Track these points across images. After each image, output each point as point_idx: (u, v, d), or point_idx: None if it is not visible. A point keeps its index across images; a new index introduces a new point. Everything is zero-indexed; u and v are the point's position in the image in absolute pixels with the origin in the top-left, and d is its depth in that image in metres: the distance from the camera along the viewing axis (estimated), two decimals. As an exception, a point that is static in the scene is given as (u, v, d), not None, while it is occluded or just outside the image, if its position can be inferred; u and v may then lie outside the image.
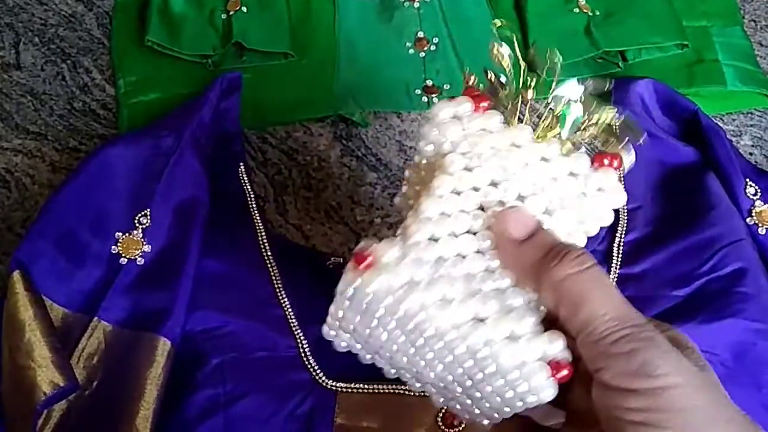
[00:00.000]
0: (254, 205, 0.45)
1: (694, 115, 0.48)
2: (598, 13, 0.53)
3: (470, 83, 0.29)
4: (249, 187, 0.46)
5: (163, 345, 0.38)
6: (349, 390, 0.38)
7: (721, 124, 0.50)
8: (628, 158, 0.29)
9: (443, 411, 0.38)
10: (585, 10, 0.53)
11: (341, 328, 0.29)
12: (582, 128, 0.28)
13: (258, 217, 0.44)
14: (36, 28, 0.53)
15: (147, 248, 0.41)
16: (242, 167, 0.47)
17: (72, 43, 0.53)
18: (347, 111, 0.50)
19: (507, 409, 0.27)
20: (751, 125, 0.52)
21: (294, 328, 0.40)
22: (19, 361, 0.34)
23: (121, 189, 0.41)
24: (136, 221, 0.41)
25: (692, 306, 0.40)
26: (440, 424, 0.38)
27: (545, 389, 0.25)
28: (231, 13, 0.51)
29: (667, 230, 0.43)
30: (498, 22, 0.29)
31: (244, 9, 0.51)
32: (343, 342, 0.30)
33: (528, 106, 0.28)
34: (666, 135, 0.48)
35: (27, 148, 0.48)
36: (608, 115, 0.28)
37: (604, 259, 0.43)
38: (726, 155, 0.45)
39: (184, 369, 0.38)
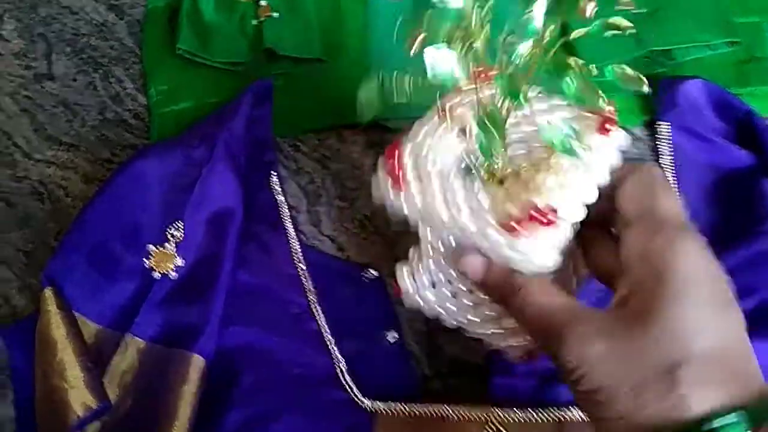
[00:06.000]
0: (287, 216, 0.44)
1: (747, 116, 0.45)
2: (643, 10, 0.51)
3: None
4: (282, 197, 0.45)
5: (197, 362, 0.37)
6: (387, 412, 0.37)
7: (778, 126, 0.47)
8: None
9: None
10: (628, 8, 0.51)
11: None
12: None
13: (291, 229, 0.43)
14: (68, 38, 0.53)
15: (180, 262, 0.40)
16: (275, 176, 0.45)
17: (104, 52, 0.53)
18: (380, 116, 0.48)
19: None
20: (810, 126, 0.48)
21: (329, 344, 0.39)
22: (52, 381, 0.33)
23: (152, 201, 0.41)
24: (168, 234, 0.40)
25: (750, 322, 0.38)
26: None
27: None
28: (262, 19, 0.50)
29: (723, 241, 0.40)
30: None
31: (275, 15, 0.50)
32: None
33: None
34: (719, 138, 0.45)
35: (60, 159, 0.48)
36: None
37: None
38: (783, 159, 0.43)
39: (218, 386, 0.37)
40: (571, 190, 0.28)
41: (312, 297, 0.41)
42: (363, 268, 0.43)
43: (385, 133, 0.48)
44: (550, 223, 0.27)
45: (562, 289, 0.29)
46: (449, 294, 0.33)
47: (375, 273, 0.43)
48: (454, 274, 0.33)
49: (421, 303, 0.34)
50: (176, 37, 0.50)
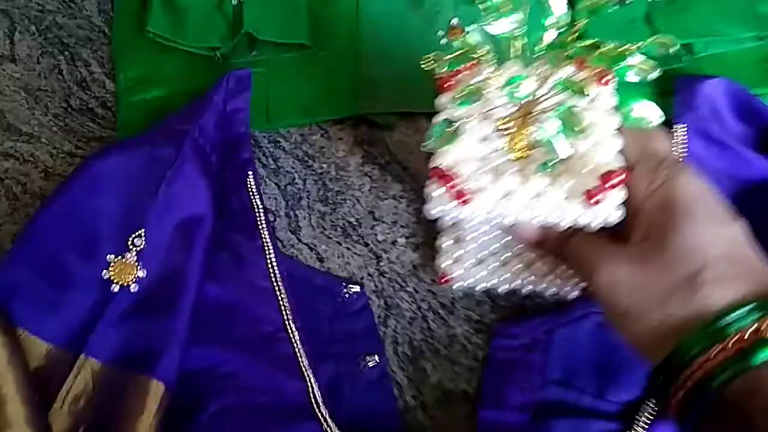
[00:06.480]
0: (263, 222, 0.40)
1: (773, 123, 0.41)
2: (660, -3, 0.46)
3: None
4: (258, 200, 0.41)
5: (157, 388, 0.34)
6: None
7: (805, 132, 0.43)
8: None
9: None
10: (646, -7, 0.46)
11: None
12: None
13: (267, 236, 0.40)
14: (33, 15, 0.49)
15: (142, 273, 0.36)
16: (251, 177, 0.41)
17: (71, 31, 0.48)
18: (370, 111, 0.44)
19: None
20: (840, 132, 0.44)
21: (304, 369, 0.36)
22: (-11, 416, 0.30)
23: (112, 206, 0.37)
24: (129, 242, 0.37)
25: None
26: None
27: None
28: (242, -1, 0.45)
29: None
30: None
31: (258, -7, 0.46)
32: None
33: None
34: (740, 146, 0.41)
35: (19, 151, 0.44)
36: None
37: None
38: (812, 172, 0.39)
39: (180, 414, 0.34)
40: (611, 141, 0.31)
41: (287, 314, 0.37)
42: (344, 283, 0.39)
43: (374, 128, 0.44)
44: (625, 179, 0.30)
45: (601, 236, 0.32)
46: (499, 264, 0.37)
47: (357, 288, 0.39)
48: (498, 245, 0.37)
49: (472, 282, 0.37)
50: (146, 18, 0.45)
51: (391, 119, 0.44)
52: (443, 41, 0.48)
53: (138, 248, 0.37)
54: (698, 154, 0.42)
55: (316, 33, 0.46)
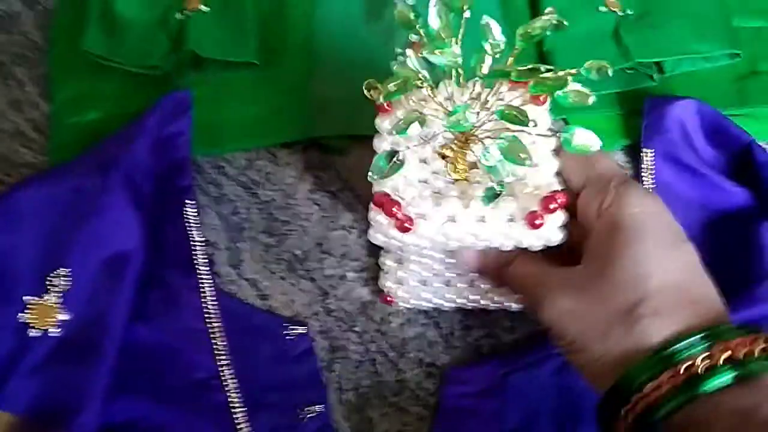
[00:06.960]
0: (202, 255, 0.37)
1: (747, 148, 0.38)
2: (630, 12, 0.43)
3: None
4: (196, 231, 0.38)
5: (73, 447, 0.31)
6: None
7: (781, 156, 0.40)
8: None
9: None
10: (614, 9, 0.44)
11: None
12: None
13: (204, 271, 0.37)
14: (-34, 30, 0.46)
15: (66, 316, 0.33)
16: (190, 206, 0.39)
17: (5, 48, 0.45)
18: (322, 134, 0.41)
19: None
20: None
21: (239, 422, 0.33)
22: None
23: (31, 242, 0.34)
24: (50, 282, 0.34)
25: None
26: None
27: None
28: (188, 13, 0.43)
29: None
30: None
31: (204, 8, 0.43)
32: None
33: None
34: (711, 171, 0.39)
35: (-60, 181, 0.41)
36: None
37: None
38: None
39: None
40: (548, 162, 0.31)
41: (223, 359, 0.34)
42: (287, 323, 0.36)
43: (327, 154, 0.42)
44: (566, 201, 0.29)
45: (542, 259, 0.31)
46: (443, 284, 0.36)
47: (301, 329, 0.36)
48: (440, 268, 0.36)
49: (418, 302, 0.37)
50: (83, 36, 0.42)
51: (345, 143, 0.42)
52: (401, 58, 0.46)
53: (62, 288, 0.34)
54: (668, 180, 0.39)
55: (267, 48, 0.43)
